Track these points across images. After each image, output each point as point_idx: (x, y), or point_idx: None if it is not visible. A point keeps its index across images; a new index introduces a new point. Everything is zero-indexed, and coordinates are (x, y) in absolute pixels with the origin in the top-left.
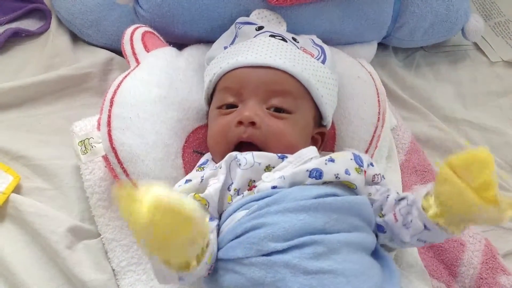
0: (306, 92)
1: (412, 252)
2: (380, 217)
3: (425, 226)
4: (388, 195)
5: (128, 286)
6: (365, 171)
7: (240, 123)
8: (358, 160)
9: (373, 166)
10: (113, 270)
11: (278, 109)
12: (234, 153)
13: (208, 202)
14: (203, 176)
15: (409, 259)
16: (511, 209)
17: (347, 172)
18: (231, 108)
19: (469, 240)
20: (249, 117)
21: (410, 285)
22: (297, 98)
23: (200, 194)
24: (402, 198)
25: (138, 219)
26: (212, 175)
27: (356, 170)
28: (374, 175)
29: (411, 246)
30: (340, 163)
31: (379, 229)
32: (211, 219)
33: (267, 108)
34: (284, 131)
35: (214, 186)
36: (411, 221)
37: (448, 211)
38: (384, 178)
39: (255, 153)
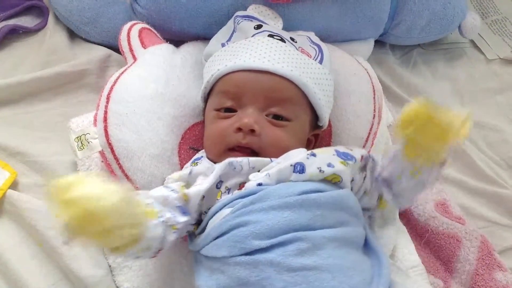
0: (303, 96)
1: (410, 248)
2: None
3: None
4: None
5: (124, 282)
6: (362, 156)
7: (239, 129)
8: (341, 155)
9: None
10: (110, 266)
11: (277, 116)
12: (229, 159)
13: (189, 199)
14: (192, 169)
15: (407, 255)
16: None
17: (330, 165)
18: (229, 111)
19: (465, 236)
20: (249, 125)
21: (408, 280)
22: (296, 105)
23: (185, 190)
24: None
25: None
26: (202, 171)
27: (342, 163)
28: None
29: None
30: (321, 157)
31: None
32: (185, 213)
33: (266, 115)
34: (283, 138)
35: (199, 187)
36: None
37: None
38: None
39: (251, 159)
